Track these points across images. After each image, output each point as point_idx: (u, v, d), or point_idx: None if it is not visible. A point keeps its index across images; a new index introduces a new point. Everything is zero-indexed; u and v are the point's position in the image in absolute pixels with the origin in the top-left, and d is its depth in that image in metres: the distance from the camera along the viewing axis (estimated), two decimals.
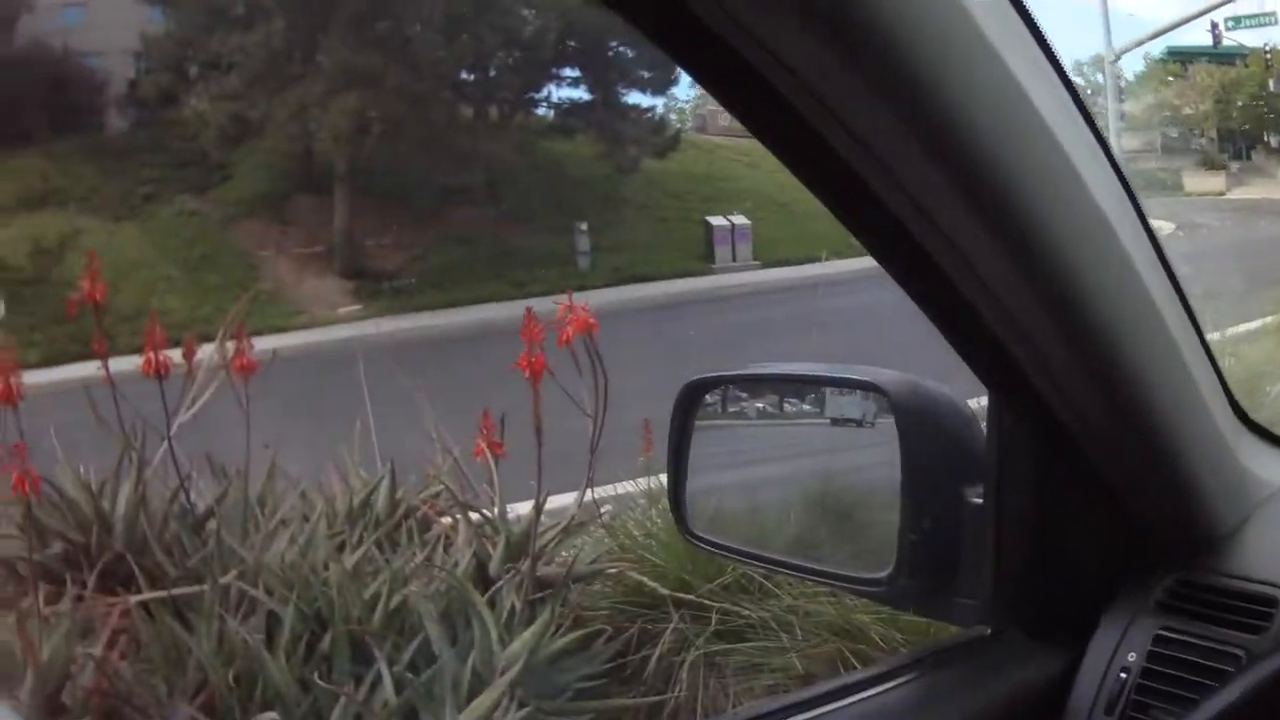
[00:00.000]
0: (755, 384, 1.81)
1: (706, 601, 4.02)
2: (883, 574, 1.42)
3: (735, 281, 26.98)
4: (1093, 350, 1.18)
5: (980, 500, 1.37)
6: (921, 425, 1.40)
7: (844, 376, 1.60)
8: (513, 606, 3.95)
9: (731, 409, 1.80)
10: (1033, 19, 1.04)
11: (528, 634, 3.78)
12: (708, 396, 1.76)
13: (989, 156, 1.00)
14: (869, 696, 1.37)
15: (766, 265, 28.62)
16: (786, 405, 1.77)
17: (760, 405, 1.80)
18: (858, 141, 1.00)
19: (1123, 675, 1.35)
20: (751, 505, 1.85)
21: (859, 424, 1.60)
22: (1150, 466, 1.32)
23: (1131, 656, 1.36)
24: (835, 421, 1.67)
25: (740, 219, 30.06)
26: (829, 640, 3.73)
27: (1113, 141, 31.09)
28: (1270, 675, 1.17)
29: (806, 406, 1.72)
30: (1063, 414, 1.26)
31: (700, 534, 1.73)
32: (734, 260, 29.19)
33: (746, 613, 3.90)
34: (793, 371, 1.74)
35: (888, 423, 1.46)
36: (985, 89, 0.98)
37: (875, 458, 1.49)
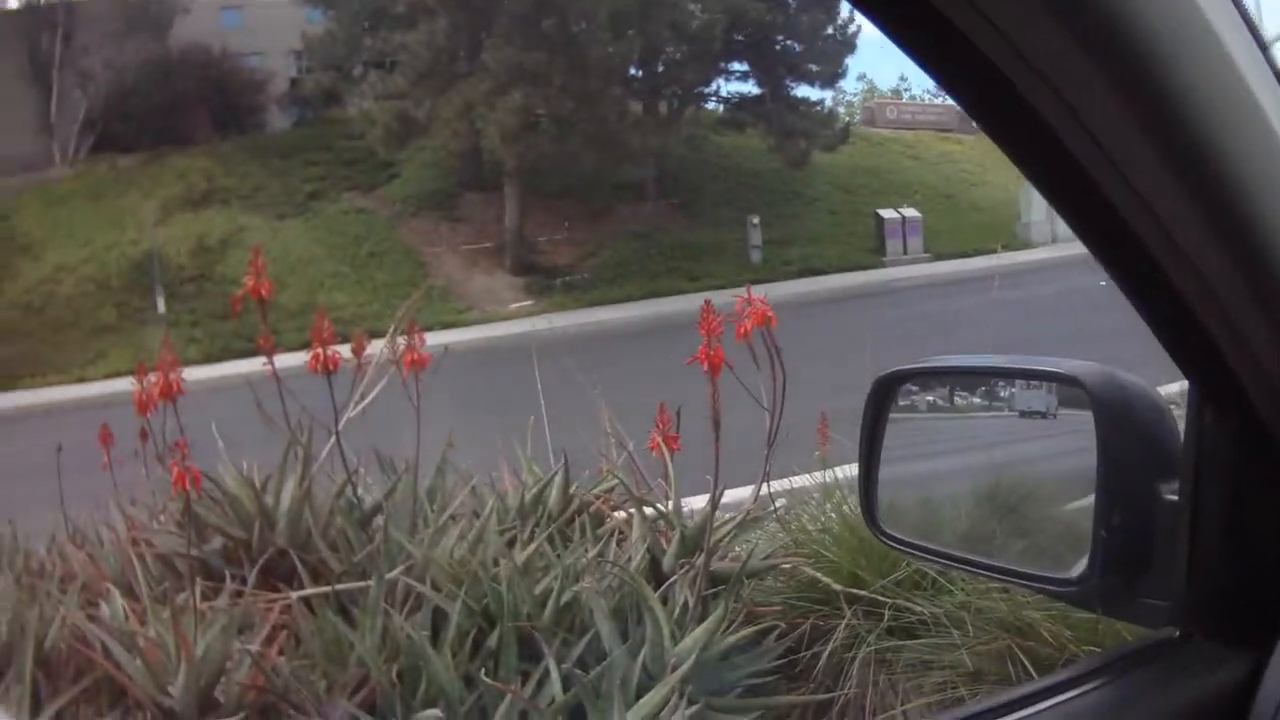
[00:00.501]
0: (946, 376, 1.77)
1: (879, 597, 3.94)
2: (1074, 573, 1.38)
3: (908, 274, 26.78)
4: None
5: (1175, 498, 1.33)
6: (1118, 418, 1.36)
7: (1037, 368, 1.56)
8: (685, 602, 3.89)
9: (922, 402, 1.77)
10: (1246, 10, 1.01)
11: (699, 630, 3.72)
12: (900, 390, 1.73)
13: (1214, 149, 0.98)
14: (1058, 703, 1.33)
15: (938, 258, 28.29)
16: (975, 398, 1.72)
17: (950, 398, 1.75)
18: (1087, 132, 0.97)
19: None
20: (939, 501, 1.81)
21: (1044, 416, 1.56)
22: None
23: None
24: (1024, 414, 1.62)
25: (911, 211, 29.77)
26: (1000, 637, 3.64)
27: None
28: None
29: (996, 399, 1.67)
30: (1263, 407, 1.21)
31: (889, 530, 1.70)
32: (905, 253, 28.97)
33: (919, 609, 3.82)
34: (984, 364, 1.70)
35: (1072, 415, 1.43)
36: (1212, 83, 0.96)
37: (1062, 450, 1.47)
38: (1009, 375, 1.66)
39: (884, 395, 1.70)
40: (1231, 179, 1.01)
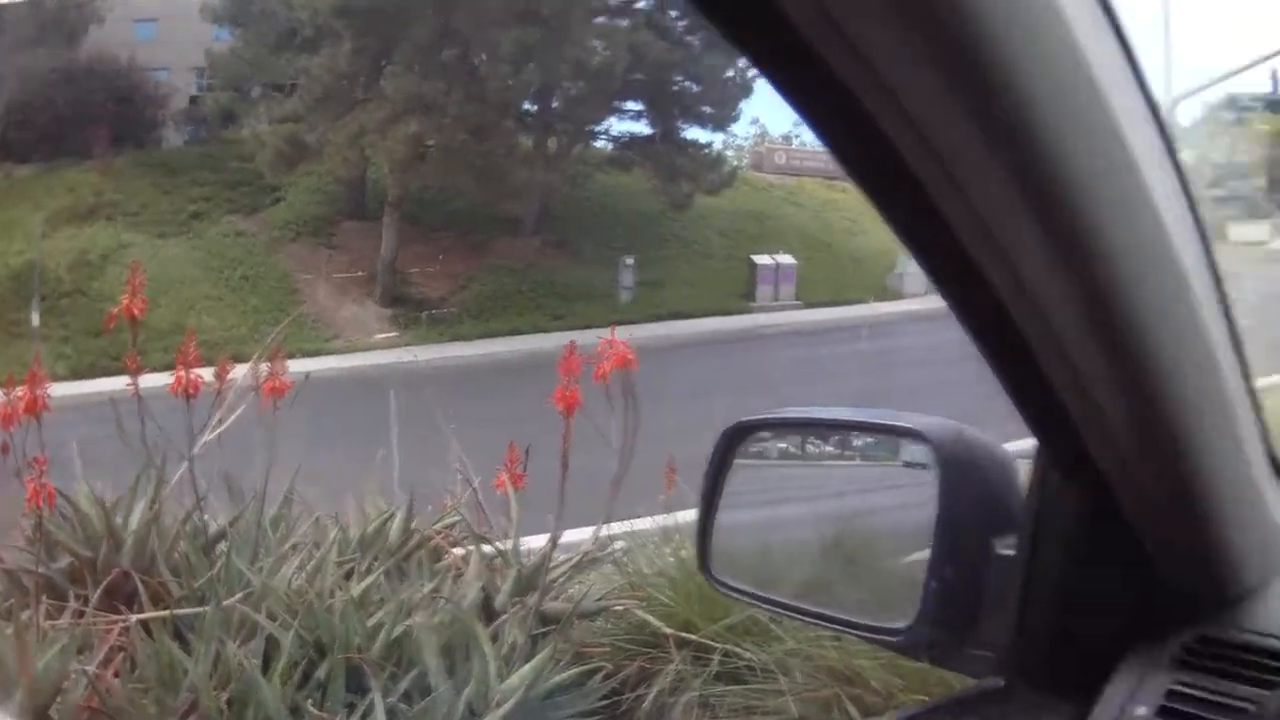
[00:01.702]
0: (795, 428, 1.81)
1: (709, 642, 4.00)
2: (902, 624, 1.42)
3: (776, 321, 26.95)
4: (1155, 406, 1.17)
5: (1010, 552, 1.37)
6: (962, 473, 1.41)
7: (885, 423, 1.61)
8: (514, 641, 3.97)
9: (769, 452, 1.80)
10: (1126, 39, 1.02)
11: (526, 669, 3.79)
12: (748, 440, 1.76)
13: (1073, 194, 0.99)
14: None
15: (809, 305, 28.59)
16: (826, 448, 1.78)
17: (801, 448, 1.80)
18: (933, 158, 0.97)
19: None
20: (779, 549, 1.85)
21: (926, 468, 1.54)
22: (1185, 526, 1.31)
23: (1141, 710, 1.34)
24: (908, 465, 1.63)
25: (786, 258, 29.98)
26: (827, 684, 3.71)
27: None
28: None
29: (849, 450, 1.73)
30: (1107, 468, 1.25)
31: (722, 576, 1.73)
32: (776, 299, 29.10)
33: (748, 655, 3.89)
34: (832, 417, 1.75)
35: (915, 470, 1.48)
36: (1084, 130, 0.97)
37: (917, 501, 1.48)
38: (857, 429, 1.71)
39: (730, 444, 1.73)
40: (1094, 242, 1.02)
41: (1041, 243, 1.02)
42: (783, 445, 1.81)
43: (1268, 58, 31.59)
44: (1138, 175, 1.02)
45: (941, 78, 0.88)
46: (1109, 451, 1.23)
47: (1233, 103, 50.69)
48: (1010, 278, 1.06)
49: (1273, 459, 1.41)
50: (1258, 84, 41.16)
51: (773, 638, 3.93)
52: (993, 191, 0.98)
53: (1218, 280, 1.20)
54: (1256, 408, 1.34)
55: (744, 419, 1.74)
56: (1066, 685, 1.38)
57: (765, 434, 1.81)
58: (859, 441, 1.72)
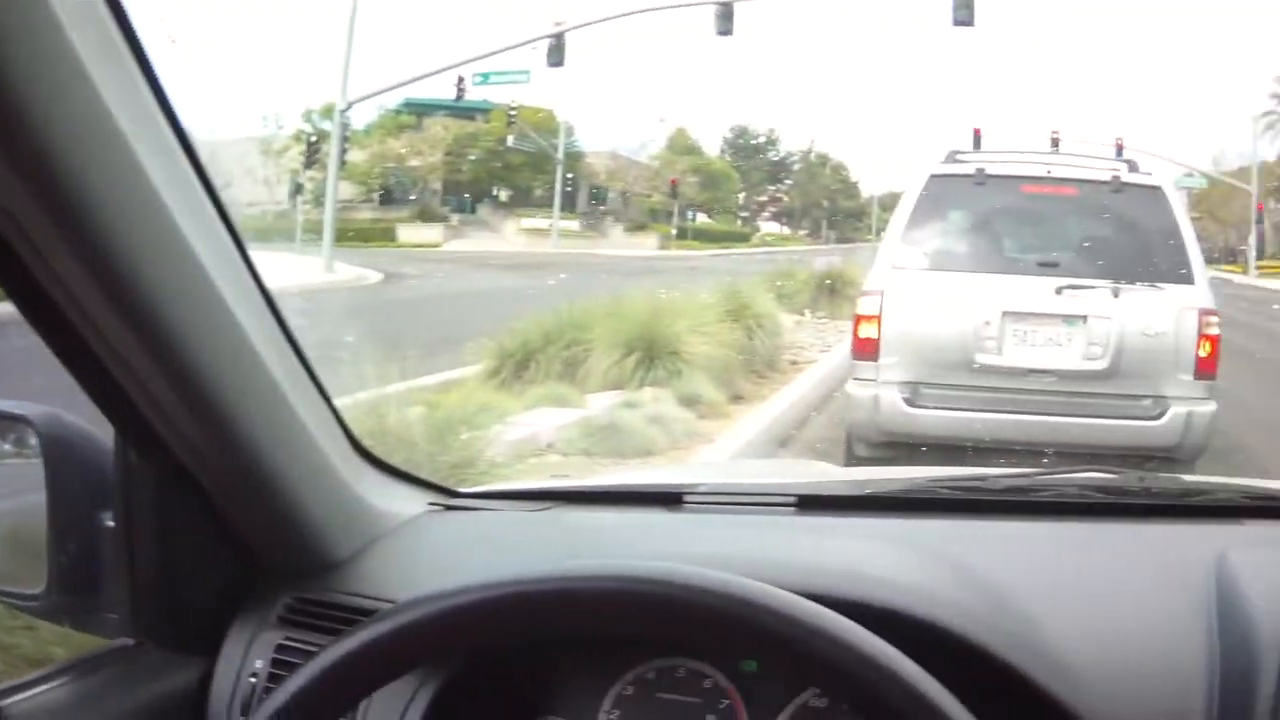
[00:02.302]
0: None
1: None
2: (38, 590, 1.49)
3: None
4: (199, 394, 1.27)
5: (114, 524, 1.46)
6: (63, 454, 1.48)
7: None
8: None
9: None
10: (155, 76, 1.11)
11: None
12: None
13: (93, 210, 1.08)
14: (12, 703, 1.34)
15: None
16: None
17: None
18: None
19: (252, 680, 1.49)
20: None
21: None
22: (262, 499, 1.44)
23: (259, 664, 1.50)
24: None
25: None
26: None
27: (330, 188, 30.33)
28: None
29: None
30: (177, 448, 1.35)
31: None
32: None
33: None
34: None
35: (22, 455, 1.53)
36: (103, 164, 1.07)
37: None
38: None
39: None
40: (129, 270, 1.14)
41: (83, 267, 1.12)
42: None
43: (453, 66, 32.98)
44: (162, 207, 1.14)
45: None
46: (175, 436, 1.34)
47: (414, 107, 50.55)
48: (75, 306, 1.16)
49: (355, 444, 1.58)
50: (444, 92, 40.54)
51: None
52: (38, 223, 1.07)
53: (265, 294, 1.34)
54: (327, 400, 1.51)
55: None
56: (188, 643, 1.52)
57: None
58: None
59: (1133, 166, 7.65)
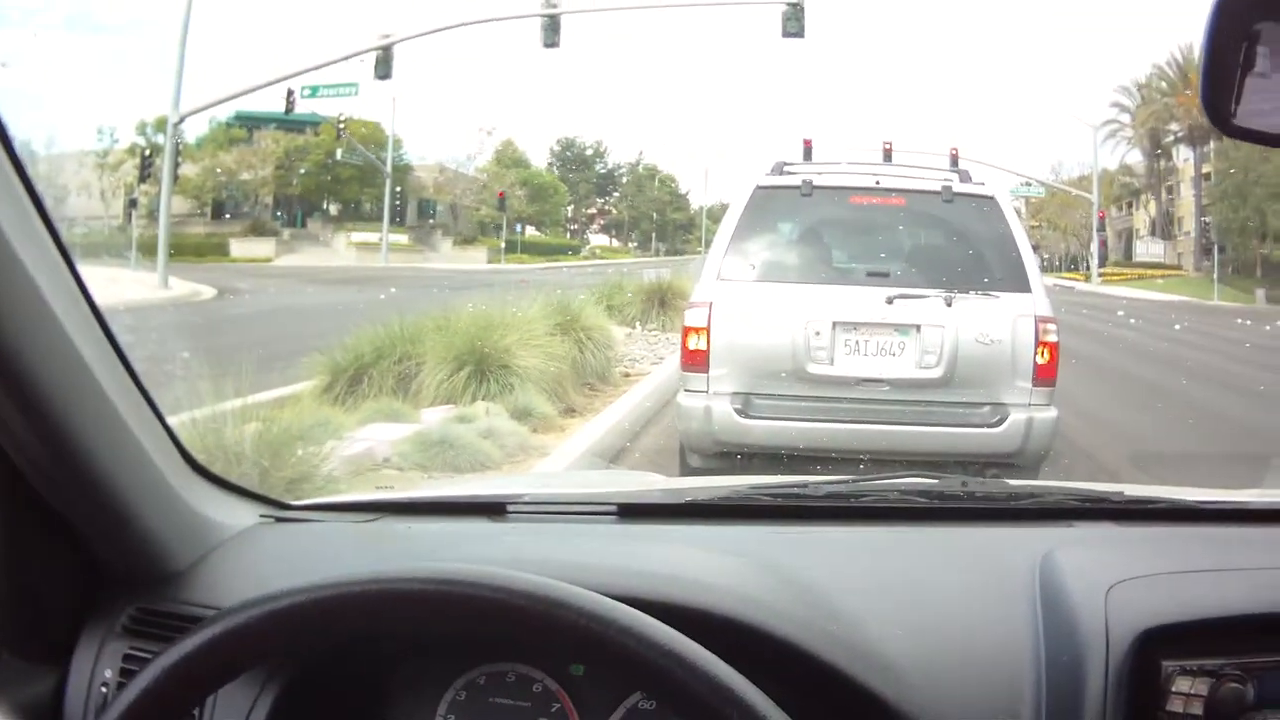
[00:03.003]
0: None
1: None
2: None
3: None
4: (28, 404, 1.28)
5: None
6: None
7: None
8: None
9: None
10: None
11: None
12: None
13: None
14: None
15: None
16: None
17: None
18: None
19: (104, 690, 1.51)
20: None
21: None
22: (97, 510, 1.44)
23: (108, 674, 1.52)
24: None
25: None
26: None
27: (163, 203, 29.25)
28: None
29: None
30: (14, 457, 1.36)
31: None
32: None
33: None
34: None
35: None
36: None
37: None
38: None
39: None
40: None
41: None
42: None
43: (283, 79, 32.20)
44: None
45: None
46: (11, 445, 1.35)
47: (245, 120, 49.93)
48: None
49: (188, 458, 1.60)
50: (274, 105, 40.80)
51: None
52: None
53: (93, 307, 1.37)
54: (158, 415, 1.54)
55: None
56: (42, 652, 1.52)
57: None
58: None
59: (965, 176, 7.70)
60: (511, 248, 58.28)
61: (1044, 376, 6.76)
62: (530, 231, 67.15)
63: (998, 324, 6.78)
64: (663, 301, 17.55)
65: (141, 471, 1.48)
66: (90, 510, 1.45)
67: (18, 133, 1.17)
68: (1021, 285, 6.89)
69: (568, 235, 72.76)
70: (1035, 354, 6.74)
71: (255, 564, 1.65)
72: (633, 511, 1.82)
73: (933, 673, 1.34)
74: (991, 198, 7.36)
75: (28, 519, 1.44)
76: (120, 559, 1.54)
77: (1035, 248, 7.32)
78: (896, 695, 1.31)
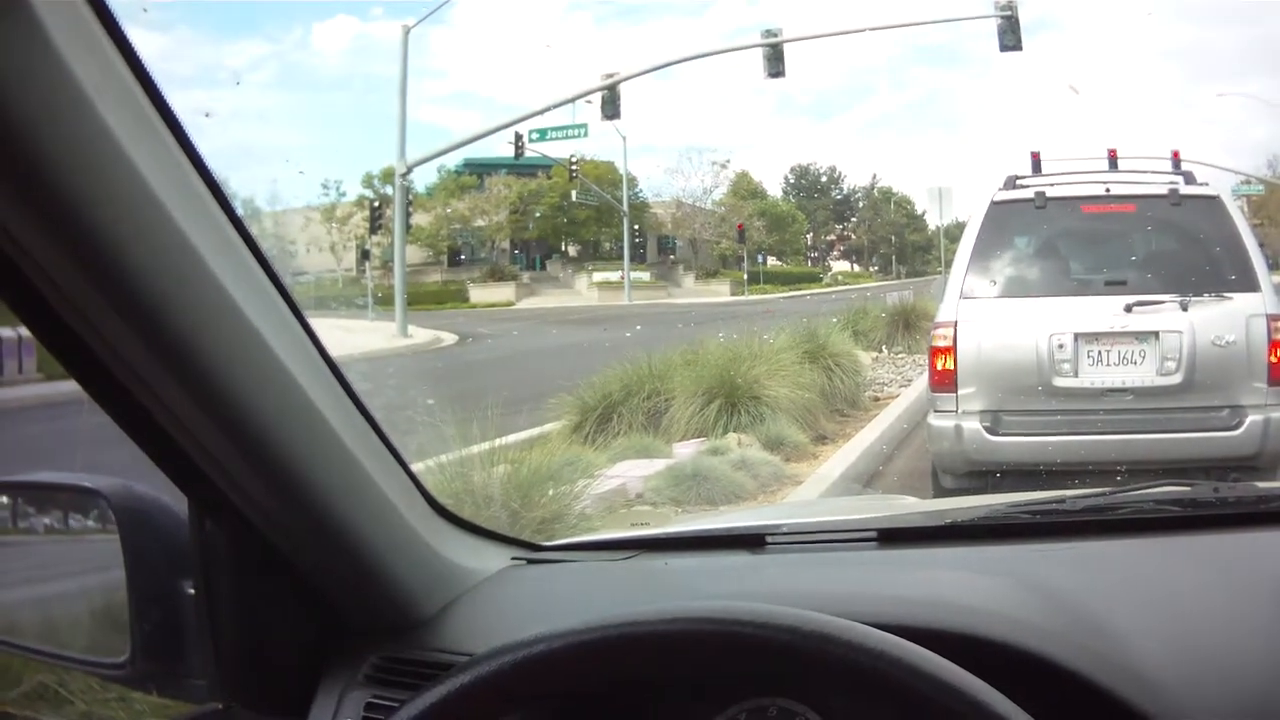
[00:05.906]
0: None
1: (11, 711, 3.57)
2: (122, 659, 1.53)
3: (16, 395, 22.88)
4: (265, 460, 1.30)
5: (195, 590, 1.48)
6: (138, 525, 1.52)
7: (59, 483, 1.70)
8: None
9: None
10: (195, 152, 1.13)
11: None
12: None
13: (145, 285, 1.11)
14: None
15: (50, 378, 22.06)
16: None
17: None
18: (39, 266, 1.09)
19: None
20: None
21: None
22: (340, 561, 1.46)
23: None
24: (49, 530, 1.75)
25: (26, 331, 26.07)
26: None
27: (397, 250, 30.19)
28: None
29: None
30: (250, 514, 1.38)
31: None
32: (20, 372, 23.92)
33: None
34: (29, 479, 1.80)
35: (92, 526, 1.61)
36: (145, 235, 1.10)
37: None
38: (29, 490, 1.82)
39: None
40: (195, 353, 1.18)
41: (141, 342, 1.16)
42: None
43: (509, 124, 32.88)
44: (211, 276, 1.16)
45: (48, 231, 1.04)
46: (246, 502, 1.37)
47: (474, 167, 50.35)
48: (139, 383, 1.21)
49: (433, 503, 1.59)
50: (501, 150, 41.12)
51: (65, 701, 3.57)
52: (95, 304, 1.12)
53: (326, 358, 1.37)
54: (400, 461, 1.53)
55: None
56: (277, 705, 1.53)
57: None
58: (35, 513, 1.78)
59: (1189, 178, 7.60)
60: (754, 279, 58.26)
61: (1278, 376, 6.64)
62: (772, 261, 67.09)
63: (1231, 326, 6.69)
64: (907, 324, 17.45)
65: (385, 519, 1.46)
66: (330, 560, 1.46)
67: (240, 189, 1.15)
68: (1251, 285, 6.81)
69: (809, 263, 72.60)
70: (1269, 353, 6.63)
71: (507, 607, 1.64)
72: (892, 536, 1.78)
73: (1198, 690, 1.27)
74: (1216, 198, 7.29)
75: (263, 570, 1.46)
76: (362, 607, 1.53)
77: (1261, 245, 7.16)
78: (1165, 716, 1.25)
